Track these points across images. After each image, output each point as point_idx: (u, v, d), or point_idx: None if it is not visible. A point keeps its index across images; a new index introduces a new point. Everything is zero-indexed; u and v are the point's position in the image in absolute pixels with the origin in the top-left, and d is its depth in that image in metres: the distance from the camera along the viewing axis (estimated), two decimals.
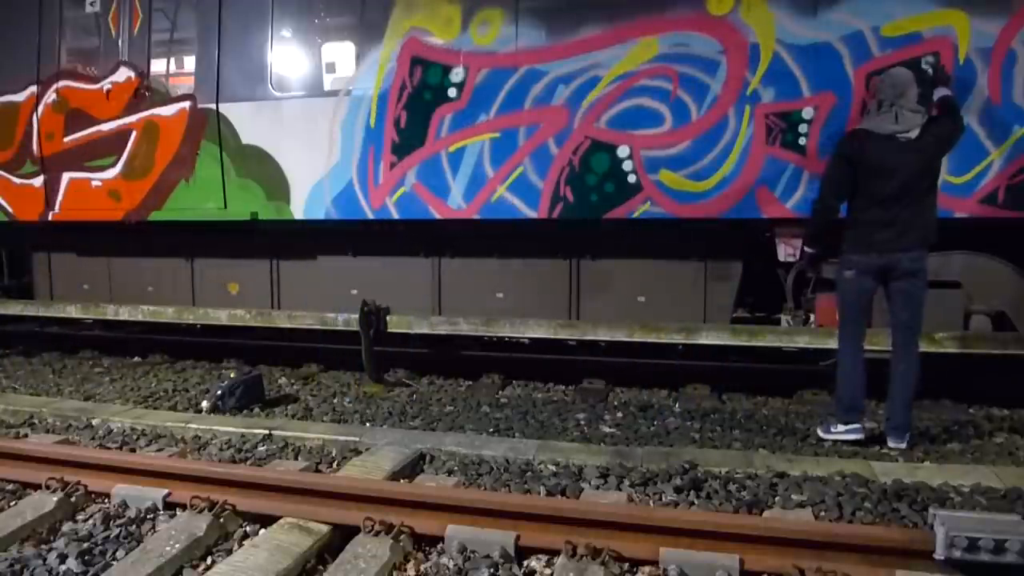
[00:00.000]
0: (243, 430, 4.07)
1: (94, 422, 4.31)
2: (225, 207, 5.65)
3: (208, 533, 2.80)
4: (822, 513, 2.92)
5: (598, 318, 5.23)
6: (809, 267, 4.56)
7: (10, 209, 6.30)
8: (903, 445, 3.82)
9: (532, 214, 4.96)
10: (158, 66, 5.84)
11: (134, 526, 2.95)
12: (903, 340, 3.82)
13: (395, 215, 5.24)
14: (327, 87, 5.65)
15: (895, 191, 3.66)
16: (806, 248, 4.17)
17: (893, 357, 3.85)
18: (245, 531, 2.92)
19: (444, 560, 2.65)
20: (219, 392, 4.73)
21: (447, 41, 4.99)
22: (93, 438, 4.03)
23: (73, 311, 6.40)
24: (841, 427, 3.92)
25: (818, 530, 2.57)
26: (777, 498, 3.07)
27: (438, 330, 5.39)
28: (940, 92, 3.86)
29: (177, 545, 2.68)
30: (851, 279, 3.84)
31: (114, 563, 2.62)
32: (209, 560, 2.71)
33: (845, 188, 3.78)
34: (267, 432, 4.01)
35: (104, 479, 3.23)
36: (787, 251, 4.60)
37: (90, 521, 3.02)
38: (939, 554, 2.33)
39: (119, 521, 2.99)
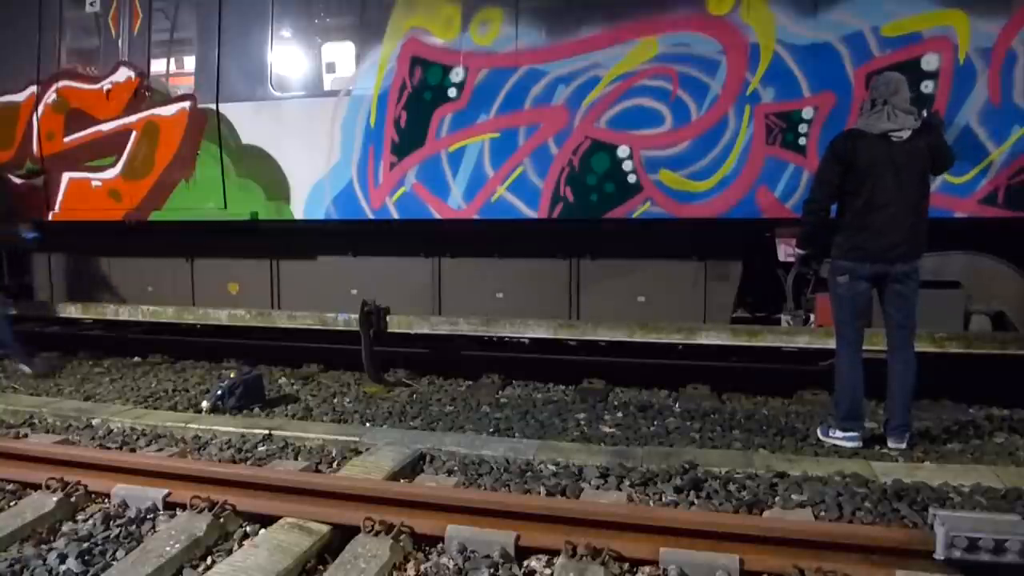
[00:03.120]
0: (243, 430, 4.07)
1: (94, 422, 4.31)
2: (225, 207, 5.65)
3: (208, 533, 2.79)
4: (822, 513, 2.92)
5: (598, 318, 5.23)
6: (802, 267, 4.56)
7: None
8: (903, 445, 3.81)
9: (532, 214, 4.96)
10: (158, 66, 5.85)
11: (134, 526, 2.94)
12: (899, 340, 3.81)
13: (395, 215, 5.24)
14: (327, 87, 5.66)
15: (885, 193, 3.64)
16: (798, 249, 4.14)
17: (889, 357, 3.84)
18: (245, 531, 2.91)
19: (444, 560, 2.65)
20: (219, 392, 4.73)
21: (447, 41, 4.99)
22: (93, 438, 4.03)
23: (73, 311, 6.41)
24: (839, 433, 3.90)
25: (818, 530, 2.57)
26: (777, 498, 3.07)
27: (438, 330, 5.39)
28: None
29: (177, 545, 2.68)
30: (844, 284, 3.81)
31: (114, 563, 2.62)
32: (209, 560, 2.71)
33: (837, 188, 3.76)
34: (267, 432, 4.01)
35: (104, 479, 3.23)
36: (787, 251, 4.61)
37: (90, 521, 3.02)
38: (939, 554, 2.33)
39: (119, 521, 2.99)
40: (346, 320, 5.47)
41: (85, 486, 3.20)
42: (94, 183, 5.96)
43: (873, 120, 3.68)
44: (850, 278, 3.78)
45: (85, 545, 2.75)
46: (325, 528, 2.82)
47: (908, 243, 3.68)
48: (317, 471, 3.49)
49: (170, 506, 3.07)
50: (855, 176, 3.68)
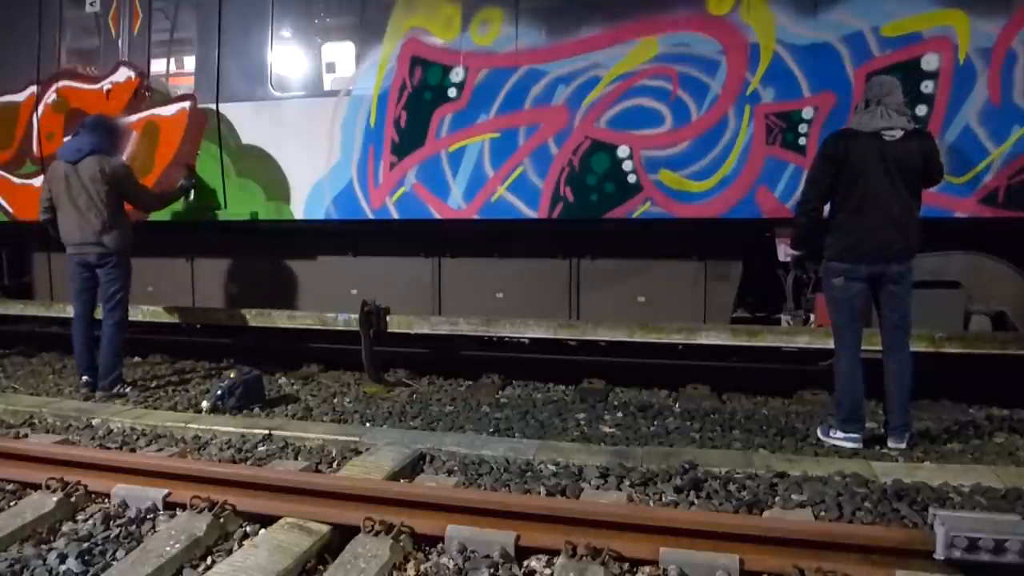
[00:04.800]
0: (243, 430, 4.07)
1: (94, 422, 4.31)
2: (225, 207, 5.65)
3: (208, 533, 2.79)
4: (822, 513, 2.92)
5: (598, 318, 5.22)
6: (797, 269, 4.55)
7: (10, 209, 6.30)
8: (903, 445, 3.81)
9: (532, 214, 4.96)
10: (158, 66, 5.84)
11: (134, 526, 2.94)
12: (894, 341, 3.80)
13: (395, 215, 5.24)
14: (327, 87, 5.66)
15: (878, 192, 3.63)
16: (792, 250, 4.14)
17: (885, 358, 3.83)
18: (245, 531, 2.91)
19: (444, 560, 2.65)
20: (219, 392, 4.73)
21: (447, 41, 4.99)
22: (93, 438, 4.03)
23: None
24: (840, 434, 3.89)
25: (818, 530, 2.57)
26: (777, 498, 3.07)
27: (438, 330, 5.39)
28: None
29: (177, 545, 2.68)
30: (840, 285, 3.80)
31: (114, 563, 2.62)
32: (209, 560, 2.71)
33: (829, 189, 3.75)
34: (267, 432, 4.01)
35: (104, 479, 3.23)
36: (787, 251, 4.58)
37: (90, 521, 3.02)
38: (939, 554, 2.33)
39: (119, 521, 2.99)
40: (346, 320, 5.47)
41: (85, 486, 3.20)
42: None
43: (866, 119, 3.68)
44: (845, 279, 3.77)
45: (85, 545, 2.75)
46: (325, 528, 2.82)
47: (902, 242, 3.68)
48: (317, 471, 3.49)
49: (170, 506, 3.07)
50: (847, 175, 3.67)
